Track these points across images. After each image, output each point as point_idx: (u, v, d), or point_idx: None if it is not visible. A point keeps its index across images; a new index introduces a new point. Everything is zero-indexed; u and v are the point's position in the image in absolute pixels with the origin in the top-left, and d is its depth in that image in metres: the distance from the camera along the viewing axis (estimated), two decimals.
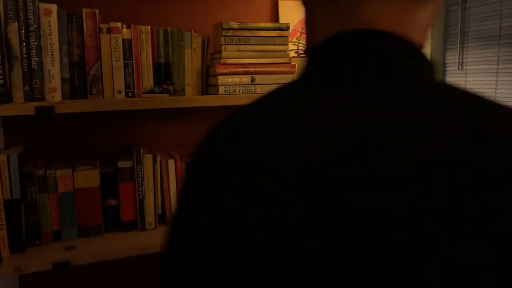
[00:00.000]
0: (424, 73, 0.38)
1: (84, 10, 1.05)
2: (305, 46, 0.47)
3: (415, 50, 0.39)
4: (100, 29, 1.07)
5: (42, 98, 1.02)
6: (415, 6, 0.41)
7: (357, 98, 0.35)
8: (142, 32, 1.11)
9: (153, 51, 1.13)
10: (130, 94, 1.11)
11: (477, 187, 0.29)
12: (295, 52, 1.35)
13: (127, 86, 1.11)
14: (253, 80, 1.18)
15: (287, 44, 1.22)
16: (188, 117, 1.35)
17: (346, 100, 0.35)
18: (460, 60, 3.31)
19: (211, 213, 0.37)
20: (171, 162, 1.18)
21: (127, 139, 1.29)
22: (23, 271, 0.98)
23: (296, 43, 1.36)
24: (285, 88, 0.42)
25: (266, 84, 1.19)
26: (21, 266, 0.97)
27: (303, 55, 0.40)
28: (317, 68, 0.41)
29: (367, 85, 0.36)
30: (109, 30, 1.07)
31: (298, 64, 1.27)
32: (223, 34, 1.15)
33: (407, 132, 0.31)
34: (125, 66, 1.10)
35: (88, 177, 1.10)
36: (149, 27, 1.12)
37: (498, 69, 3.01)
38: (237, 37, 1.16)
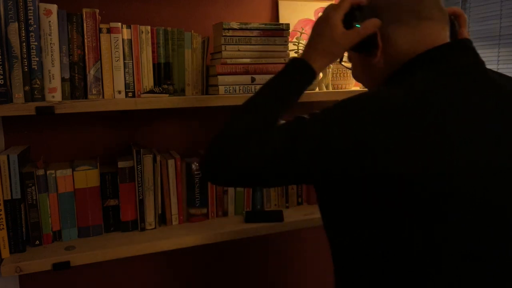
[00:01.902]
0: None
1: (84, 10, 1.05)
2: (383, 58, 0.74)
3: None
4: (100, 29, 1.07)
5: (42, 98, 1.02)
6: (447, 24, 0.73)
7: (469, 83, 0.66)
8: (142, 32, 1.11)
9: (153, 51, 1.13)
10: (130, 94, 1.11)
11: None
12: (295, 52, 1.35)
13: (127, 86, 1.11)
14: (253, 80, 1.18)
15: (287, 44, 1.22)
16: (188, 117, 1.35)
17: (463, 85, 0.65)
18: None
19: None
20: (171, 162, 1.18)
21: (127, 139, 1.29)
22: (23, 271, 0.98)
23: (296, 43, 1.36)
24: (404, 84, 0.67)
25: None
26: (21, 266, 0.97)
27: (383, 64, 0.77)
28: (425, 69, 0.68)
29: (471, 74, 0.67)
30: (109, 30, 1.07)
31: None
32: (223, 34, 1.15)
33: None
34: (125, 66, 1.10)
35: (88, 177, 1.10)
36: (149, 27, 1.12)
37: (498, 69, 3.01)
38: (237, 37, 1.16)
